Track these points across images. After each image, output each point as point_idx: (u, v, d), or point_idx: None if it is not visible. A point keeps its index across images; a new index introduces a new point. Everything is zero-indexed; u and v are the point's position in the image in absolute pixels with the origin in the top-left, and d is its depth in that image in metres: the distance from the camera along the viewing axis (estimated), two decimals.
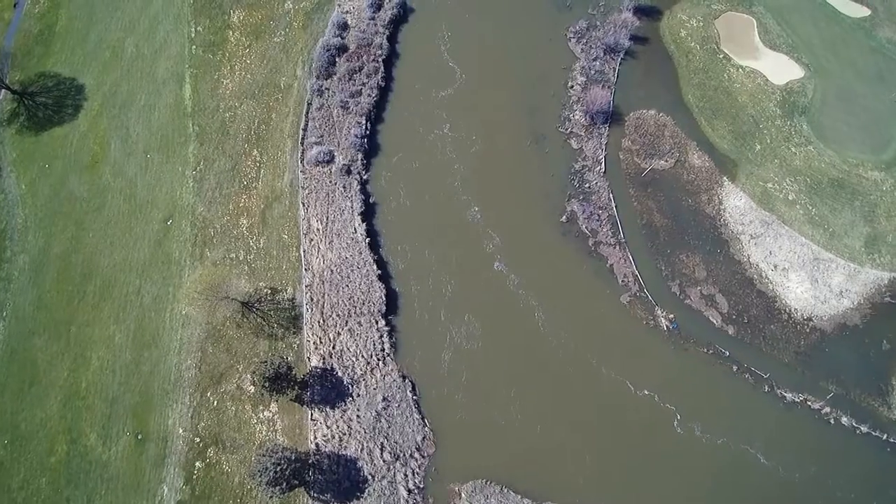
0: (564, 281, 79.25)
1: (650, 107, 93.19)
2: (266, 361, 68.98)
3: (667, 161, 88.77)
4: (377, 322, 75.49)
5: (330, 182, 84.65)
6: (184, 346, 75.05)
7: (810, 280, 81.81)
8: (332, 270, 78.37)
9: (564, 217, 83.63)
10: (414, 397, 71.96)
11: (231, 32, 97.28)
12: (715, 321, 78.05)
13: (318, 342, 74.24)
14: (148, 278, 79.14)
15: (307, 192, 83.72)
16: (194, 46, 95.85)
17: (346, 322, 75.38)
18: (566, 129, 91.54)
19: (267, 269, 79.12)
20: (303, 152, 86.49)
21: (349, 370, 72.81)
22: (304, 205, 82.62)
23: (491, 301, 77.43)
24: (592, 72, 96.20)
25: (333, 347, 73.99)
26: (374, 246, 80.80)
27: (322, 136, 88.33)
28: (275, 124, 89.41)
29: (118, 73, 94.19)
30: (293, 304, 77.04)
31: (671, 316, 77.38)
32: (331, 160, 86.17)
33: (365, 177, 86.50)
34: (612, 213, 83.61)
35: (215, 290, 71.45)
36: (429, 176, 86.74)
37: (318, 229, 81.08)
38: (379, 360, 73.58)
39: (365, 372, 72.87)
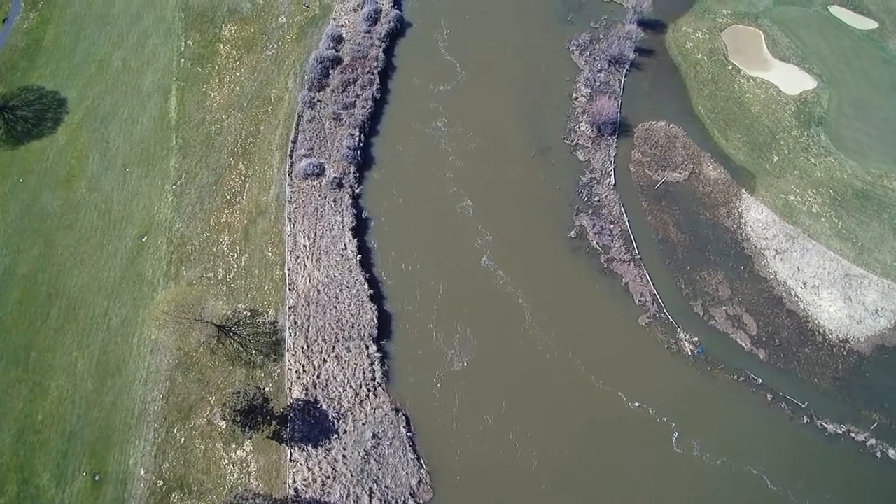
0: (576, 301, 68.25)
1: (659, 118, 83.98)
2: (239, 392, 57.57)
3: (680, 173, 79.05)
4: (368, 347, 64.16)
5: (319, 196, 74.71)
6: (151, 375, 63.71)
7: (843, 298, 70.71)
8: (318, 290, 67.63)
9: (573, 232, 73.18)
10: (408, 434, 60.01)
11: (222, 46, 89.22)
12: (744, 344, 66.65)
13: (300, 370, 62.78)
14: (117, 299, 68.36)
15: (294, 206, 73.65)
16: (183, 60, 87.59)
17: (333, 348, 64.15)
18: (572, 141, 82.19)
19: (247, 290, 68.40)
20: (291, 165, 76.89)
21: (335, 403, 61.11)
22: (290, 220, 72.48)
23: (496, 324, 66.33)
24: (597, 83, 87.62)
25: (318, 376, 62.51)
26: (365, 264, 70.16)
27: (312, 149, 78.97)
28: (263, 137, 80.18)
29: (102, 86, 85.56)
30: (275, 327, 65.98)
31: (696, 339, 65.97)
32: (321, 173, 76.57)
33: (357, 190, 76.61)
34: (624, 227, 73.28)
35: (188, 311, 60.64)
36: (427, 190, 76.80)
37: (304, 246, 70.76)
38: (369, 390, 61.96)
39: (353, 405, 61.15)
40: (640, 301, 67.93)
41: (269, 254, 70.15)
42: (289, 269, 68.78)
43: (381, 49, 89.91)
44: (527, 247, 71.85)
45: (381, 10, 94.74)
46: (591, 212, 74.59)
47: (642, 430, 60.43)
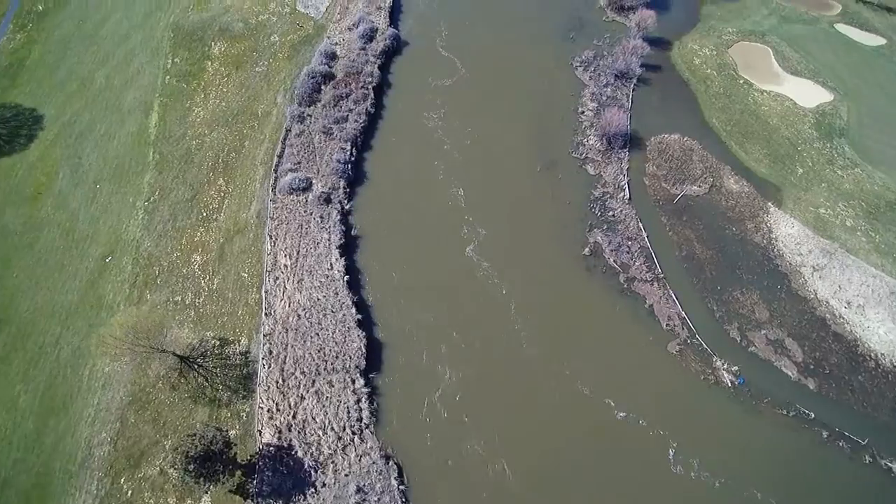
0: (595, 326, 57.16)
1: (672, 131, 75.37)
2: (195, 435, 46.06)
3: (700, 186, 69.71)
4: (354, 381, 52.58)
5: (304, 212, 65.03)
6: (100, 414, 52.01)
7: (892, 318, 59.68)
8: (299, 315, 56.84)
9: (587, 249, 63.02)
10: (400, 487, 47.42)
11: (210, 63, 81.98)
12: (790, 373, 55.22)
13: (273, 409, 50.97)
14: (71, 326, 57.49)
15: (276, 223, 63.78)
16: (168, 77, 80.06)
17: (313, 382, 52.65)
18: (580, 155, 73.30)
19: (218, 315, 57.58)
20: (275, 180, 67.83)
21: (313, 449, 48.89)
22: (271, 238, 62.46)
23: (505, 356, 55.03)
24: (604, 97, 79.79)
25: (294, 417, 50.57)
26: (354, 286, 59.41)
27: (300, 163, 70.00)
28: (247, 152, 71.34)
29: (82, 103, 77.61)
30: (246, 358, 54.64)
31: (735, 368, 54.58)
32: (307, 188, 67.21)
33: (347, 206, 66.81)
34: (644, 243, 63.20)
35: (147, 339, 49.86)
36: (424, 207, 67.02)
37: (285, 266, 60.55)
38: (354, 433, 49.82)
39: (335, 451, 48.88)
40: (668, 325, 56.95)
41: (246, 275, 59.84)
42: (266, 292, 58.19)
43: (376, 65, 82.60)
44: (537, 267, 61.35)
45: (377, 29, 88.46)
46: (605, 227, 64.67)
47: (685, 483, 47.88)
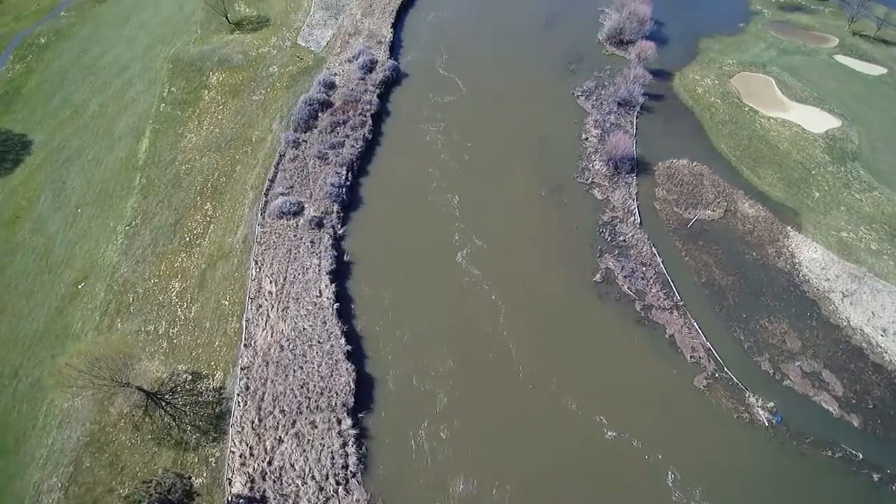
0: (613, 358, 50.58)
1: (680, 156, 71.96)
2: (150, 482, 39.16)
3: (714, 210, 65.13)
4: (340, 422, 45.60)
5: (294, 236, 60.13)
6: (53, 456, 44.87)
7: None
8: (282, 347, 50.64)
9: (599, 276, 57.36)
10: None
11: (207, 92, 79.76)
12: (831, 409, 48.13)
13: (247, 454, 43.74)
14: (32, 356, 51.16)
15: (264, 248, 58.69)
16: (163, 104, 77.56)
17: (294, 422, 45.73)
18: (586, 179, 69.21)
19: (193, 347, 51.34)
20: (265, 204, 63.57)
21: (291, 502, 41.84)
22: (256, 263, 57.20)
23: (513, 395, 48.24)
24: (608, 124, 76.74)
25: (269, 463, 43.24)
26: (344, 315, 53.61)
27: (292, 188, 65.88)
28: (238, 176, 67.39)
29: (73, 129, 74.62)
30: (220, 395, 47.93)
31: (770, 404, 47.57)
32: (298, 212, 62.61)
33: (340, 231, 61.96)
34: (659, 269, 57.68)
35: (112, 372, 43.87)
36: (423, 232, 62.07)
37: (270, 293, 54.94)
38: (339, 483, 42.31)
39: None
40: (692, 357, 50.45)
41: (226, 303, 54.16)
42: (247, 321, 52.18)
43: (375, 94, 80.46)
44: (546, 295, 55.50)
45: (376, 61, 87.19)
46: (616, 253, 59.49)
47: None
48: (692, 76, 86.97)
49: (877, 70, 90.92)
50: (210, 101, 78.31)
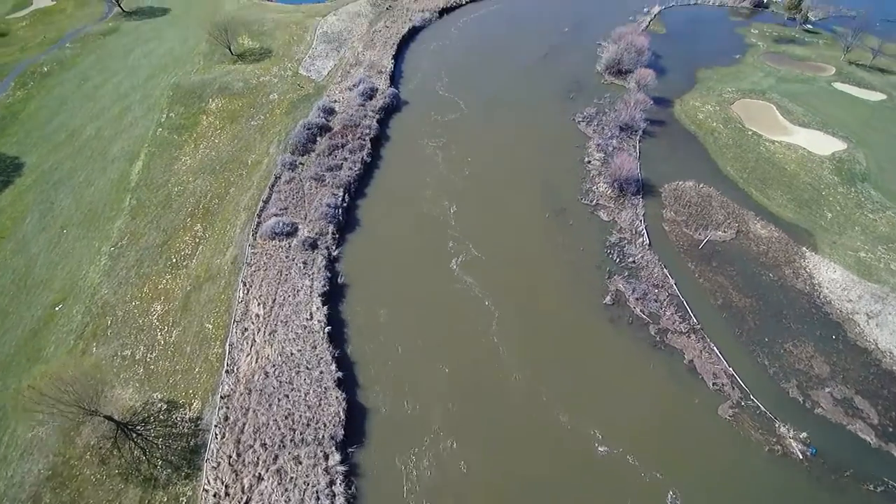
0: (630, 386, 45.93)
1: (686, 178, 69.77)
2: None
3: (725, 231, 62.06)
4: (328, 457, 40.51)
5: (286, 257, 56.82)
6: (10, 491, 39.78)
7: None
8: (266, 374, 46.28)
9: (609, 298, 53.44)
10: None
11: (205, 117, 78.63)
12: (868, 438, 43.26)
13: (221, 493, 38.53)
14: None
15: (253, 269, 55.19)
16: (160, 129, 76.20)
17: (276, 457, 40.80)
18: (591, 201, 66.56)
19: (171, 373, 46.98)
20: (258, 225, 60.81)
21: None
22: (244, 284, 53.54)
23: (522, 429, 43.35)
24: (610, 148, 75.07)
25: (247, 503, 39.29)
26: (336, 339, 49.58)
27: (286, 209, 63.14)
28: (231, 198, 64.76)
29: (67, 152, 72.86)
30: (196, 426, 43.16)
31: (803, 435, 42.65)
32: (292, 233, 59.57)
33: (335, 252, 58.63)
34: (672, 291, 53.75)
35: (80, 400, 39.52)
36: (422, 255, 58.66)
37: (257, 315, 50.97)
38: None
39: None
40: (714, 384, 45.89)
41: (210, 326, 50.17)
42: (231, 345, 47.99)
43: (374, 119, 79.46)
44: (555, 319, 51.52)
45: (376, 89, 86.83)
46: (626, 274, 55.90)
47: None
48: (692, 103, 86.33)
49: (876, 96, 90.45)
50: (208, 126, 77.07)
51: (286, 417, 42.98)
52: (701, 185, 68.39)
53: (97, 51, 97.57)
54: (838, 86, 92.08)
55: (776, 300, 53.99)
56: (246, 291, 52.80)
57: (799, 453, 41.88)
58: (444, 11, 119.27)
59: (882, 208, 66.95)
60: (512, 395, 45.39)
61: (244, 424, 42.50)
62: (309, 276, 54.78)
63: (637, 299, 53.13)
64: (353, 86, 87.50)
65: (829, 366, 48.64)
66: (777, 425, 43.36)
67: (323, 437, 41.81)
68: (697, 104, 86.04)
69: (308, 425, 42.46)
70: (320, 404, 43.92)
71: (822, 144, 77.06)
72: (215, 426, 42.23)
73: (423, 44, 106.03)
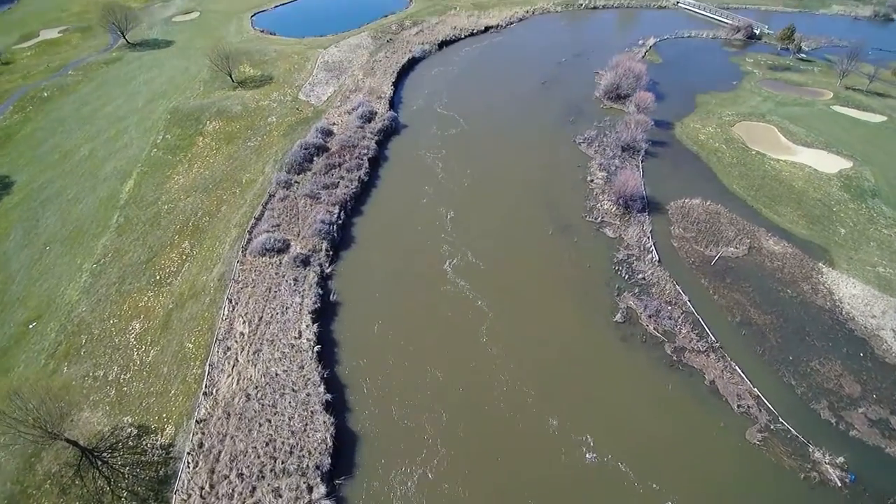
0: (648, 410, 41.66)
1: (692, 196, 67.63)
2: None
3: (737, 248, 59.15)
4: (311, 489, 35.84)
5: (276, 274, 53.64)
6: None
7: None
8: (248, 396, 42.23)
9: (619, 315, 49.80)
10: None
11: (201, 138, 77.31)
12: None
13: None
14: None
15: (240, 286, 51.93)
16: (155, 150, 74.96)
17: (253, 490, 36.02)
18: (595, 218, 64.06)
19: (144, 396, 42.97)
20: (248, 242, 58.13)
21: None
22: (230, 301, 50.15)
23: (531, 456, 38.99)
24: (612, 167, 73.47)
25: None
26: (326, 359, 46.01)
27: (279, 226, 60.50)
28: (222, 216, 62.29)
29: (58, 171, 70.99)
30: (168, 454, 38.76)
31: (840, 460, 38.03)
32: (283, 249, 56.75)
33: (328, 269, 55.59)
34: (687, 308, 50.19)
35: (44, 422, 35.47)
36: (420, 272, 55.37)
37: (241, 334, 47.25)
38: None
39: None
40: (739, 406, 41.66)
41: (190, 345, 46.48)
42: (211, 366, 44.29)
43: (373, 140, 78.43)
44: (564, 337, 47.82)
45: (375, 112, 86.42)
46: (636, 291, 52.60)
47: None
48: (693, 125, 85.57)
49: (877, 118, 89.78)
50: (203, 147, 75.70)
51: (267, 444, 38.66)
52: (708, 203, 66.09)
53: (98, 78, 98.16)
54: (837, 108, 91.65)
55: (797, 317, 50.40)
56: (231, 309, 49.34)
57: (837, 480, 37.25)
58: (443, 44, 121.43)
59: (895, 223, 64.60)
60: (521, 423, 41.01)
61: (220, 452, 38.14)
62: (299, 292, 51.50)
63: (650, 317, 49.58)
64: (352, 109, 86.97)
65: (860, 385, 44.56)
66: (811, 450, 38.90)
67: (307, 466, 37.41)
68: (698, 126, 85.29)
69: (291, 453, 38.13)
70: (305, 430, 39.71)
71: (828, 163, 75.45)
72: (188, 453, 37.90)
73: (422, 72, 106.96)
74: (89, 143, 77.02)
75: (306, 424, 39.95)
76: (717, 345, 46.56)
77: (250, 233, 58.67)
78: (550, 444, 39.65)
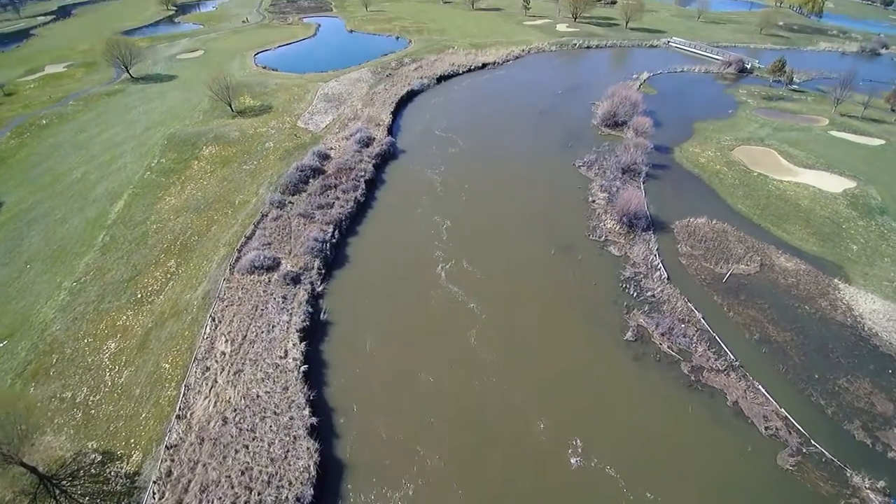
0: (667, 434, 37.76)
1: (698, 215, 65.85)
2: None
3: (748, 265, 56.47)
4: None
5: (264, 292, 50.58)
6: None
7: None
8: (225, 420, 38.23)
9: (630, 334, 46.53)
10: None
11: (197, 162, 76.32)
12: None
13: None
14: None
15: (225, 304, 48.77)
16: (149, 173, 73.86)
17: None
18: (599, 237, 61.77)
19: (113, 419, 39.04)
20: (236, 260, 55.53)
21: None
22: (213, 320, 47.12)
23: (544, 487, 35.03)
24: (614, 188, 72.31)
25: None
26: (314, 380, 42.24)
27: (270, 244, 58.04)
28: (212, 235, 59.94)
29: (48, 193, 69.48)
30: (132, 483, 34.55)
31: (881, 484, 33.96)
32: (273, 267, 53.97)
33: (320, 288, 52.68)
34: (701, 326, 47.04)
35: (3, 443, 32.05)
36: (417, 291, 52.42)
37: (223, 353, 43.72)
38: None
39: None
40: (767, 429, 37.77)
41: (167, 366, 42.92)
42: (187, 387, 40.73)
43: (370, 164, 77.56)
44: (572, 357, 44.39)
45: (373, 138, 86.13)
46: (646, 309, 49.50)
47: None
48: (692, 149, 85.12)
49: (875, 141, 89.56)
50: (198, 170, 74.54)
51: (243, 473, 34.50)
52: (714, 221, 64.11)
53: (98, 108, 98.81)
54: (835, 133, 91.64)
55: (818, 333, 47.15)
56: (214, 327, 46.14)
57: None
58: (441, 78, 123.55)
59: None
60: (536, 453, 36.95)
61: (190, 482, 33.95)
62: (288, 311, 48.43)
63: (662, 335, 46.34)
64: (350, 135, 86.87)
65: (893, 403, 40.76)
66: (849, 474, 34.78)
67: (286, 498, 33.14)
68: (697, 150, 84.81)
69: (269, 483, 33.97)
70: (287, 457, 35.67)
71: (831, 183, 74.14)
72: (154, 482, 33.77)
73: (421, 102, 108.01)
74: (83, 167, 75.97)
75: (287, 451, 35.95)
76: (737, 363, 43.09)
77: (240, 251, 56.31)
78: (574, 477, 35.57)
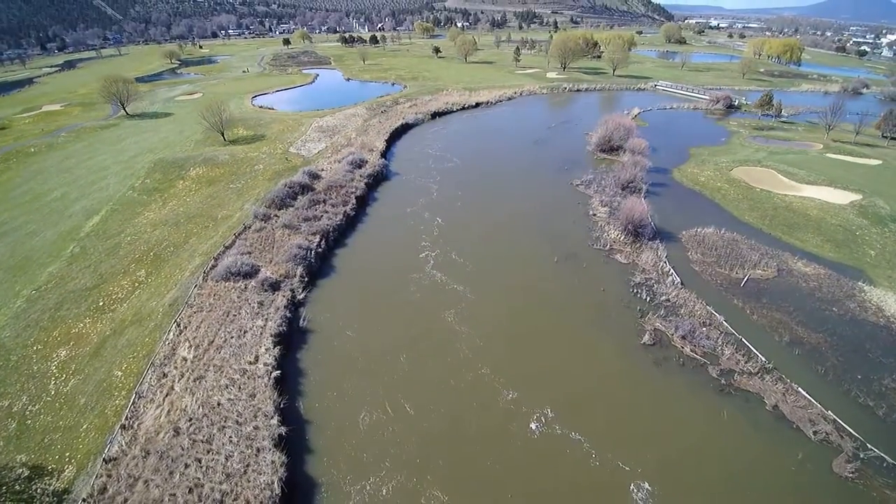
0: (704, 443, 31.90)
1: (704, 225, 62.65)
2: None
3: (765, 270, 52.29)
4: None
5: (238, 297, 45.60)
6: None
7: None
8: (177, 430, 32.29)
9: (647, 338, 41.67)
10: None
11: (182, 182, 73.71)
12: None
13: None
14: None
15: (193, 310, 43.71)
16: (131, 191, 70.95)
17: None
18: (603, 246, 57.90)
19: (49, 430, 32.88)
20: (211, 267, 51.08)
21: None
22: (178, 325, 42.06)
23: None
24: (614, 203, 69.48)
25: None
26: (286, 387, 36.60)
27: (250, 253, 53.84)
28: (189, 246, 55.68)
29: (24, 209, 66.00)
30: (59, 501, 28.30)
31: None
32: (251, 274, 49.27)
33: (301, 296, 48.08)
34: (725, 329, 42.23)
35: None
36: (409, 301, 47.34)
37: (184, 359, 38.23)
38: None
39: None
40: (816, 433, 32.00)
41: (119, 373, 37.28)
42: (138, 395, 35.18)
43: (363, 182, 75.04)
44: (587, 365, 39.01)
45: (366, 160, 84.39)
46: (662, 313, 44.86)
47: None
48: (690, 170, 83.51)
49: (872, 161, 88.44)
50: (182, 189, 71.65)
51: (190, 491, 28.30)
52: (723, 231, 60.66)
53: (89, 139, 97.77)
54: (831, 156, 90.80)
55: (851, 334, 42.29)
56: (178, 333, 41.04)
57: None
58: (436, 114, 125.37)
59: None
60: (563, 469, 31.42)
61: (126, 500, 27.79)
62: (263, 316, 43.45)
63: (683, 338, 41.34)
64: (342, 158, 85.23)
65: None
66: None
67: None
68: (696, 171, 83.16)
69: (221, 502, 27.84)
70: (246, 472, 29.58)
71: (837, 196, 71.62)
72: (83, 501, 27.66)
73: (416, 133, 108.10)
74: (63, 188, 72.98)
75: (248, 465, 29.94)
76: (771, 365, 38.07)
77: (216, 259, 52.07)
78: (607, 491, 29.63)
